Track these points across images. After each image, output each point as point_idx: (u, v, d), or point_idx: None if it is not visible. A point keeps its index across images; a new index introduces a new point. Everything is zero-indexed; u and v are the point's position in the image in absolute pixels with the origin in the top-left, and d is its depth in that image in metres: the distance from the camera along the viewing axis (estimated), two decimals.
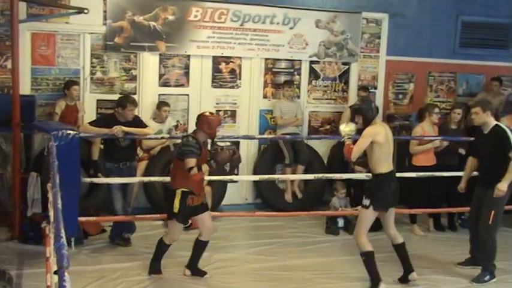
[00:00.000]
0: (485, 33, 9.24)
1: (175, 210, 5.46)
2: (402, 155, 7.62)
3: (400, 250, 5.91)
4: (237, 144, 8.15)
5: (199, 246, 5.77)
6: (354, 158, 5.53)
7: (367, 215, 5.62)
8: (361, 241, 5.62)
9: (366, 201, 5.54)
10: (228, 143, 6.57)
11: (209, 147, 5.74)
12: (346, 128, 5.60)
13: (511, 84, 9.53)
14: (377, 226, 7.63)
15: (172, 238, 5.71)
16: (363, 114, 5.54)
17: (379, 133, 5.50)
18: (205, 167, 5.50)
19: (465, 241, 7.45)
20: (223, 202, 7.93)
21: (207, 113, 5.70)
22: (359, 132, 5.62)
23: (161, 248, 5.76)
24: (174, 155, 5.65)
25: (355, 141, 5.57)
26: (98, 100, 7.79)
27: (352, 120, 5.73)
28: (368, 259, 5.62)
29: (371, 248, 5.60)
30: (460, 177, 7.48)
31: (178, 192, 5.43)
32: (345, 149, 5.53)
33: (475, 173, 6.50)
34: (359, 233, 5.66)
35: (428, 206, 7.61)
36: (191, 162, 5.35)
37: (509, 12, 9.22)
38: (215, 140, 5.79)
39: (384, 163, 5.56)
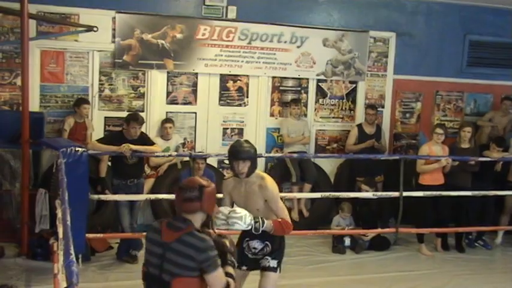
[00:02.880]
0: (493, 53, 9.24)
1: None
2: (409, 174, 7.59)
3: None
4: None
5: None
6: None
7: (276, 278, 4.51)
8: None
9: (274, 262, 4.46)
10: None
11: None
12: (248, 218, 4.14)
13: None
14: (383, 245, 7.64)
15: None
16: (253, 159, 4.32)
17: None
18: None
19: (472, 261, 7.46)
20: None
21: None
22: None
23: None
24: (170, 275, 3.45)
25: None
26: (106, 117, 7.83)
27: (232, 167, 4.35)
28: None
29: None
30: (469, 197, 7.48)
31: None
32: (281, 228, 4.27)
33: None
34: None
35: (436, 225, 7.58)
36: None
37: None
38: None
39: None
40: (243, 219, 4.10)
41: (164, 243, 3.35)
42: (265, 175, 4.44)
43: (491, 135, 8.73)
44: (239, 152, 4.29)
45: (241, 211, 4.14)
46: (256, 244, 4.45)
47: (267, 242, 4.43)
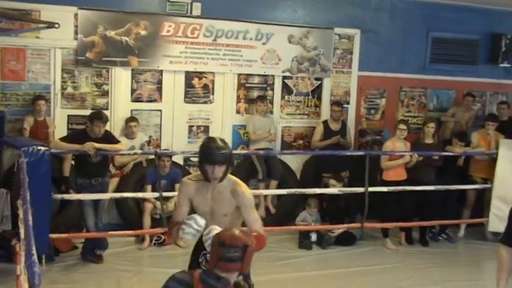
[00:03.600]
0: (455, 50, 9.37)
1: None
2: (374, 170, 7.67)
3: None
4: None
5: None
6: None
7: None
8: None
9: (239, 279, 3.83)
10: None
11: None
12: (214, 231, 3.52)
13: (481, 99, 9.69)
14: (349, 240, 7.72)
15: None
16: (230, 163, 3.85)
17: None
18: None
19: (436, 254, 7.59)
20: None
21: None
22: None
23: None
24: None
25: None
26: (69, 115, 7.69)
27: (204, 170, 3.79)
28: None
29: None
30: (432, 192, 7.60)
31: None
32: (257, 245, 3.50)
33: None
34: None
35: (400, 220, 7.67)
36: None
37: (478, 28, 9.38)
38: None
39: None
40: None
41: None
42: (238, 180, 3.92)
43: (454, 130, 8.86)
44: (217, 155, 3.73)
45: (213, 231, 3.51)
46: None
47: None
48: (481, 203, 8.32)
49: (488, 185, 8.03)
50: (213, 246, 3.00)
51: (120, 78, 7.87)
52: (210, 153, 3.75)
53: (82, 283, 6.05)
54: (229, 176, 3.90)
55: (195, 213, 3.89)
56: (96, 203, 6.67)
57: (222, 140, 3.85)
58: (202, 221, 3.68)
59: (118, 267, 6.50)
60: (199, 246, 3.93)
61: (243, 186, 3.90)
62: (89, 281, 6.10)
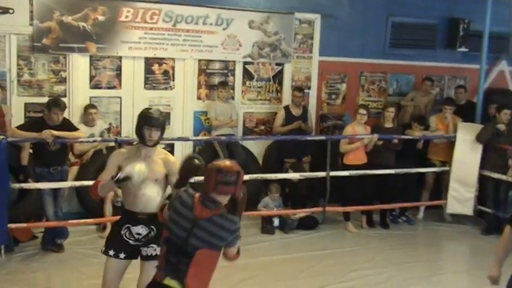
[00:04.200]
0: (415, 34, 9.46)
1: None
2: (336, 155, 7.74)
3: None
4: (171, 146, 8.09)
5: None
6: None
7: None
8: None
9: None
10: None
11: None
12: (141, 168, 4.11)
13: (439, 84, 9.83)
14: (311, 224, 7.78)
15: None
16: (164, 129, 4.42)
17: None
18: None
19: (396, 236, 7.72)
20: None
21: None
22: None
23: None
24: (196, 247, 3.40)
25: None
26: (26, 103, 7.54)
27: (142, 134, 4.28)
28: None
29: None
30: (392, 176, 7.71)
31: None
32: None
33: None
34: None
35: (361, 203, 7.77)
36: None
37: (437, 13, 9.49)
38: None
39: None
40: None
41: (195, 220, 3.36)
42: (166, 151, 4.55)
43: (413, 114, 8.99)
44: (155, 119, 4.27)
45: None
46: (140, 230, 4.28)
47: (152, 227, 4.28)
48: (440, 186, 8.47)
49: (446, 168, 8.19)
50: (211, 173, 3.37)
51: (78, 65, 7.74)
52: (149, 117, 4.28)
53: (43, 272, 5.97)
54: (159, 147, 4.48)
55: None
56: (55, 191, 6.58)
57: (158, 110, 4.45)
58: (143, 166, 4.07)
59: (79, 256, 6.43)
60: (121, 220, 4.39)
61: (173, 157, 4.52)
62: (50, 270, 6.03)
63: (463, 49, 9.51)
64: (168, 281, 3.39)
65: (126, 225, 4.29)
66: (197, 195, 3.43)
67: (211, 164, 3.48)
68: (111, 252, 4.27)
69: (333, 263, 6.63)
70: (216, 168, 3.40)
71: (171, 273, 3.39)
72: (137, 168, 4.04)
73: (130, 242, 4.28)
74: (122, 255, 4.27)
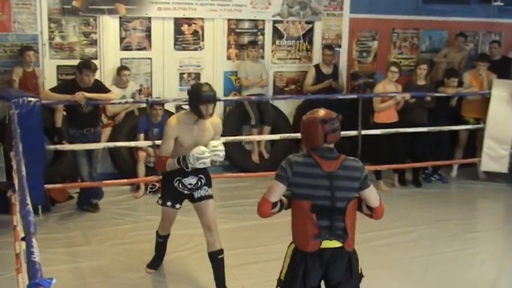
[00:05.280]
0: None
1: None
2: (367, 113, 7.68)
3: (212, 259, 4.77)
4: None
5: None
6: None
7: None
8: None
9: (210, 190, 4.80)
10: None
11: None
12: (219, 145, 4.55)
13: (473, 39, 9.62)
14: None
15: None
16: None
17: None
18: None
19: (429, 194, 7.68)
20: None
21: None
22: None
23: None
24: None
25: None
26: (58, 66, 7.61)
27: (199, 110, 4.49)
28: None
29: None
30: (426, 133, 7.64)
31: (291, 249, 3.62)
32: None
33: None
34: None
35: (393, 162, 7.72)
36: None
37: None
38: None
39: None
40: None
41: (329, 174, 3.40)
42: None
43: (446, 71, 8.82)
44: (212, 96, 4.49)
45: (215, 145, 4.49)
46: (192, 180, 4.67)
47: (201, 176, 4.69)
48: (474, 143, 8.36)
49: (480, 125, 8.06)
50: (315, 127, 3.41)
51: (108, 27, 7.75)
52: (204, 94, 4.46)
53: (79, 231, 6.09)
54: None
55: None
56: (89, 153, 6.67)
57: (209, 84, 4.63)
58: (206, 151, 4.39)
59: (114, 216, 6.55)
60: (170, 174, 4.64)
61: (217, 118, 4.84)
62: (86, 229, 6.15)
63: (498, 3, 9.25)
64: (326, 243, 3.43)
65: (177, 178, 4.65)
66: (311, 153, 3.46)
67: (308, 117, 3.51)
68: (169, 203, 4.74)
69: (365, 221, 6.60)
70: (320, 120, 3.43)
71: (328, 235, 3.43)
72: (202, 160, 4.37)
73: (185, 192, 4.71)
74: (178, 206, 4.79)
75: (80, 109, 6.43)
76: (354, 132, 7.46)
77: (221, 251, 4.71)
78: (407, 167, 7.99)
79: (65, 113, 6.94)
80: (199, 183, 4.71)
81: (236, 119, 8.31)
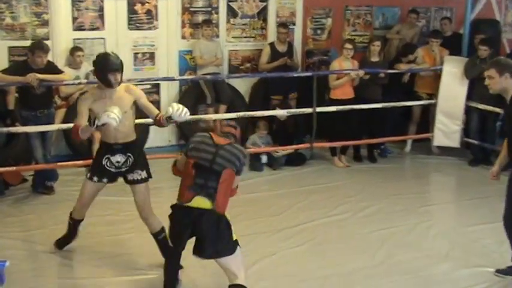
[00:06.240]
0: None
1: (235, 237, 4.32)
2: (322, 91, 7.75)
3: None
4: (157, 86, 8.06)
5: None
6: None
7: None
8: None
9: (144, 174, 4.85)
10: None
11: None
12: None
13: (425, 16, 9.76)
14: (299, 160, 7.82)
15: None
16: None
17: None
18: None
19: (383, 170, 7.81)
20: (147, 145, 7.85)
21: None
22: None
23: None
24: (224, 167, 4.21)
25: None
26: (9, 47, 7.45)
27: (107, 78, 4.63)
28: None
29: None
30: (380, 110, 7.75)
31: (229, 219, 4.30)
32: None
33: None
34: None
35: (348, 138, 7.82)
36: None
37: None
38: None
39: None
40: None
41: (217, 146, 4.24)
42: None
43: (399, 47, 8.95)
44: (117, 63, 4.62)
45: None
46: (119, 158, 4.76)
47: (129, 154, 4.78)
48: (427, 119, 8.52)
49: (433, 101, 8.21)
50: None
51: (60, 7, 7.61)
52: (111, 63, 4.62)
53: (35, 214, 6.04)
54: None
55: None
56: (43, 134, 6.58)
57: (115, 53, 4.81)
58: (116, 109, 4.40)
59: (70, 197, 6.42)
60: (101, 150, 4.82)
61: (131, 84, 5.06)
62: (42, 212, 6.10)
63: None
64: (197, 200, 4.13)
65: (106, 156, 4.76)
66: (211, 133, 4.39)
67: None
68: (95, 179, 4.82)
69: (322, 197, 6.73)
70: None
71: (200, 191, 4.13)
72: (112, 115, 4.34)
73: (112, 170, 4.79)
74: (105, 180, 4.84)
75: (33, 90, 6.32)
76: (309, 110, 7.53)
77: (160, 232, 4.82)
78: (362, 143, 8.10)
79: (17, 94, 6.81)
80: (128, 162, 4.77)
81: (192, 98, 8.28)
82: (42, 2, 7.54)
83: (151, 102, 5.29)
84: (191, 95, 8.28)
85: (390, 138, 8.19)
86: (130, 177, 4.79)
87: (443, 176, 7.88)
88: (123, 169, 4.79)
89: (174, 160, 4.60)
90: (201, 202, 4.11)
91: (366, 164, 8.08)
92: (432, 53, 8.27)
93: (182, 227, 4.17)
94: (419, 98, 8.37)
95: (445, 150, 8.34)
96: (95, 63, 4.75)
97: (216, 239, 4.12)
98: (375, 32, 9.42)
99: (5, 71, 6.43)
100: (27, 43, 6.98)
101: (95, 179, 4.83)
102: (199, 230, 4.13)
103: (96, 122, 4.39)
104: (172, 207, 4.25)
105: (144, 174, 4.81)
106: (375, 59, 7.94)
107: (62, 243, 5.19)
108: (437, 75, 8.17)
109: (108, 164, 4.77)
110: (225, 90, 8.27)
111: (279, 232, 5.74)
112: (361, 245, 5.50)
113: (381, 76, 7.84)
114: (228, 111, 8.16)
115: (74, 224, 5.09)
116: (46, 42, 6.79)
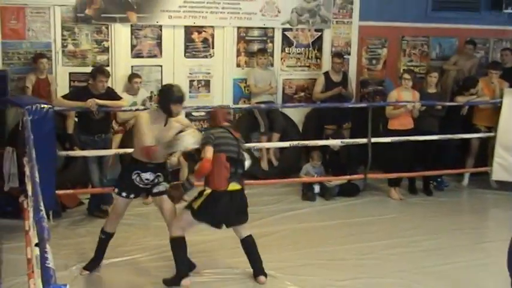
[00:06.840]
0: None
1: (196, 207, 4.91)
2: (376, 121, 7.68)
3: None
4: None
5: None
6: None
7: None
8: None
9: (167, 185, 5.17)
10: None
11: None
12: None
13: (484, 47, 9.61)
14: (352, 191, 7.75)
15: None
16: None
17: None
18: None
19: (440, 203, 7.64)
20: None
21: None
22: None
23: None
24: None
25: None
26: (70, 73, 7.68)
27: (169, 109, 4.98)
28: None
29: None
30: (437, 141, 7.61)
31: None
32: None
33: None
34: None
35: (404, 170, 7.69)
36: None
37: None
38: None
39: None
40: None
41: (237, 139, 5.00)
42: None
43: (456, 79, 8.82)
44: (182, 97, 5.05)
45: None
46: (149, 176, 5.05)
47: (159, 174, 5.09)
48: (485, 152, 8.31)
49: (492, 134, 8.03)
50: (216, 114, 5.16)
51: (120, 35, 7.82)
52: (176, 95, 4.99)
53: (89, 237, 6.10)
54: None
55: None
56: (100, 159, 6.73)
57: (179, 85, 5.24)
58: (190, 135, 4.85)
59: (124, 222, 6.47)
60: (130, 166, 5.16)
61: (180, 117, 5.35)
62: (96, 235, 6.10)
63: (509, 10, 9.24)
64: (232, 185, 4.87)
65: (136, 172, 5.04)
66: (227, 128, 5.04)
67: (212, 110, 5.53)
68: (124, 194, 5.09)
69: (375, 229, 6.61)
70: (218, 110, 5.31)
71: (234, 178, 4.88)
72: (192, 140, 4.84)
73: (140, 185, 5.08)
74: (132, 196, 5.13)
75: (92, 115, 6.48)
76: (363, 140, 7.47)
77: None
78: (418, 175, 7.96)
79: (76, 119, 6.99)
80: (157, 180, 5.07)
81: (245, 126, 8.32)
82: (103, 30, 7.76)
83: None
84: (245, 123, 8.32)
85: (447, 171, 8.03)
86: (155, 189, 5.08)
87: (502, 211, 7.63)
88: (149, 186, 5.08)
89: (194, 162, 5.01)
90: (235, 185, 4.89)
91: (422, 196, 7.92)
92: (491, 84, 8.11)
93: (227, 208, 4.88)
94: (478, 131, 8.19)
95: (504, 185, 8.11)
96: (160, 92, 5.18)
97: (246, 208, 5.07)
98: (432, 62, 9.32)
99: (66, 96, 6.62)
100: (88, 69, 7.20)
101: (124, 194, 5.10)
102: (240, 205, 4.99)
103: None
104: (212, 193, 4.80)
105: (167, 184, 5.10)
106: (431, 90, 7.84)
107: (92, 264, 5.30)
108: (496, 108, 7.99)
109: (137, 179, 5.03)
110: (279, 118, 8.28)
111: (331, 264, 5.63)
112: (416, 281, 5.32)
113: (437, 108, 7.72)
114: (281, 139, 8.17)
115: (106, 238, 5.30)
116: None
